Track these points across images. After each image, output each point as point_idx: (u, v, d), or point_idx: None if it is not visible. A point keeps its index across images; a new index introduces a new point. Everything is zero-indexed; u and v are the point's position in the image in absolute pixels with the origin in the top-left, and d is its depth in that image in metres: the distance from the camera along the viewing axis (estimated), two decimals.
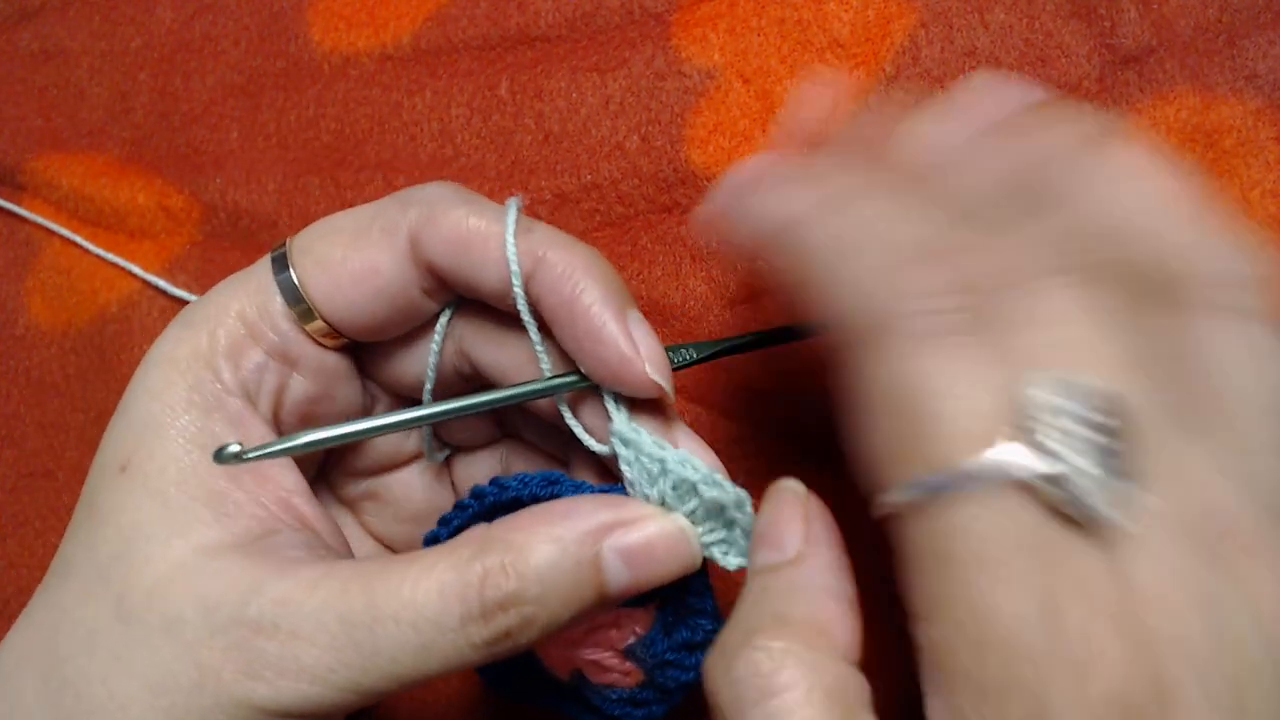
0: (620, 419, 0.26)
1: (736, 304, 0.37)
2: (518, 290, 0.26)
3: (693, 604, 0.27)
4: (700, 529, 0.26)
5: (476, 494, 0.28)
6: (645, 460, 0.26)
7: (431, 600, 0.24)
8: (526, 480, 0.27)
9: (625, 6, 0.39)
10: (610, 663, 0.28)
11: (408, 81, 0.40)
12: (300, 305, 0.28)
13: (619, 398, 0.27)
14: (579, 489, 0.27)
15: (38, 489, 0.40)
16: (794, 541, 0.24)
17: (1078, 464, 0.19)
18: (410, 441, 0.32)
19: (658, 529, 0.26)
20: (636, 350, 0.26)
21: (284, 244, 0.29)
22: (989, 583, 0.19)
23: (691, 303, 0.36)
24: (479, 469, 0.33)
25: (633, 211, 0.38)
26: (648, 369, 0.26)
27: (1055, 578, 0.19)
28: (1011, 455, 0.19)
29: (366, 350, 0.30)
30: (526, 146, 0.39)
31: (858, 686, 0.22)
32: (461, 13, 0.40)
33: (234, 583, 0.24)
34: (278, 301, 0.28)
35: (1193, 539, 0.19)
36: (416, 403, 0.29)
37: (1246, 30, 0.35)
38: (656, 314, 0.37)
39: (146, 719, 0.24)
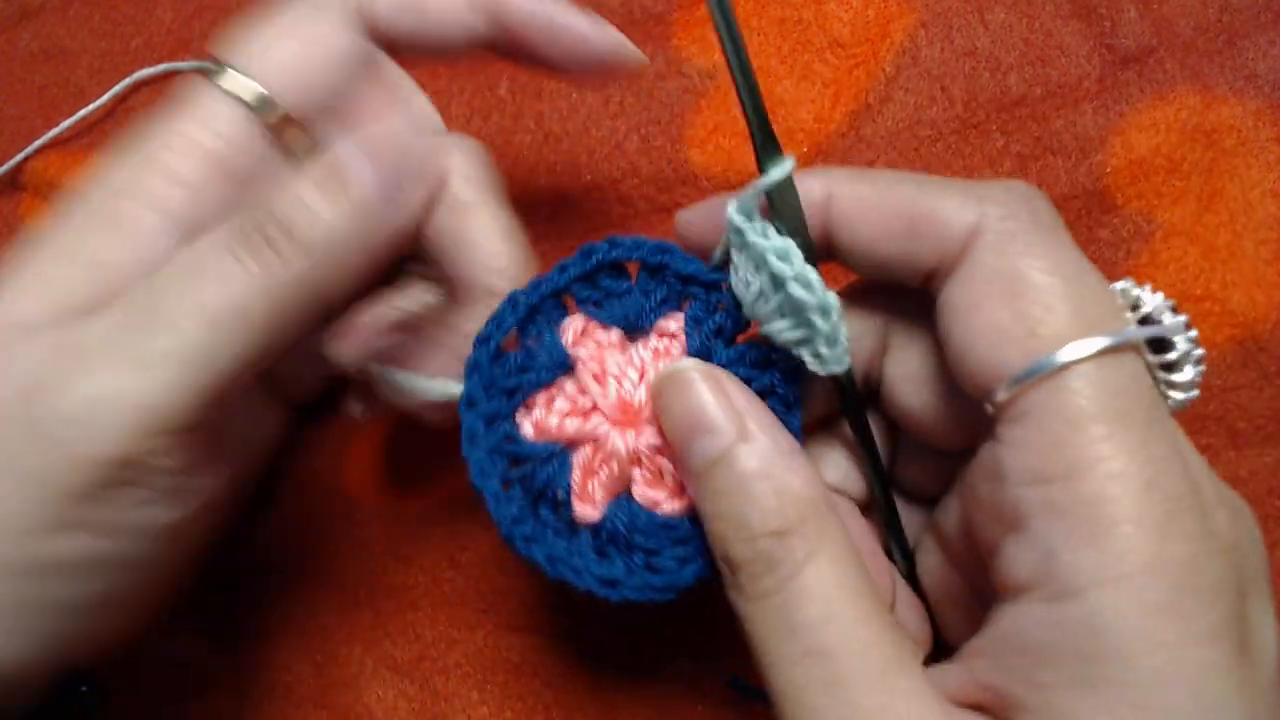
0: (740, 201, 0.25)
1: None
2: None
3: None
4: (782, 324, 0.25)
5: (586, 250, 0.27)
6: (750, 248, 0.25)
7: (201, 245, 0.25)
8: (640, 244, 0.27)
9: (625, 6, 0.39)
10: (673, 467, 0.26)
11: None
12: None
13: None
14: (690, 262, 0.27)
15: None
16: (729, 422, 0.23)
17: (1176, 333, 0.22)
18: None
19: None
20: (606, 35, 0.30)
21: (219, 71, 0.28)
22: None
23: None
24: None
25: (633, 212, 0.38)
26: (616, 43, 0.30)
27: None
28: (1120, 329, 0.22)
29: None
30: (526, 146, 0.39)
31: (858, 531, 0.23)
32: None
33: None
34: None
35: None
36: None
37: (1246, 30, 0.35)
38: None
39: None
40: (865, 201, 0.24)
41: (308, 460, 0.38)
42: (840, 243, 0.25)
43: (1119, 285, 0.24)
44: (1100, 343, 0.21)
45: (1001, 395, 0.21)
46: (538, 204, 0.38)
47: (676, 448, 0.24)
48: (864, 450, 0.26)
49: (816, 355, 0.25)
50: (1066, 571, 0.20)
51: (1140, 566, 0.19)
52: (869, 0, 0.37)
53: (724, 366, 0.26)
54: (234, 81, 0.27)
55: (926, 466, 0.27)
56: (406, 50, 0.30)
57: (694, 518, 0.26)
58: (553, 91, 0.39)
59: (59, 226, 0.27)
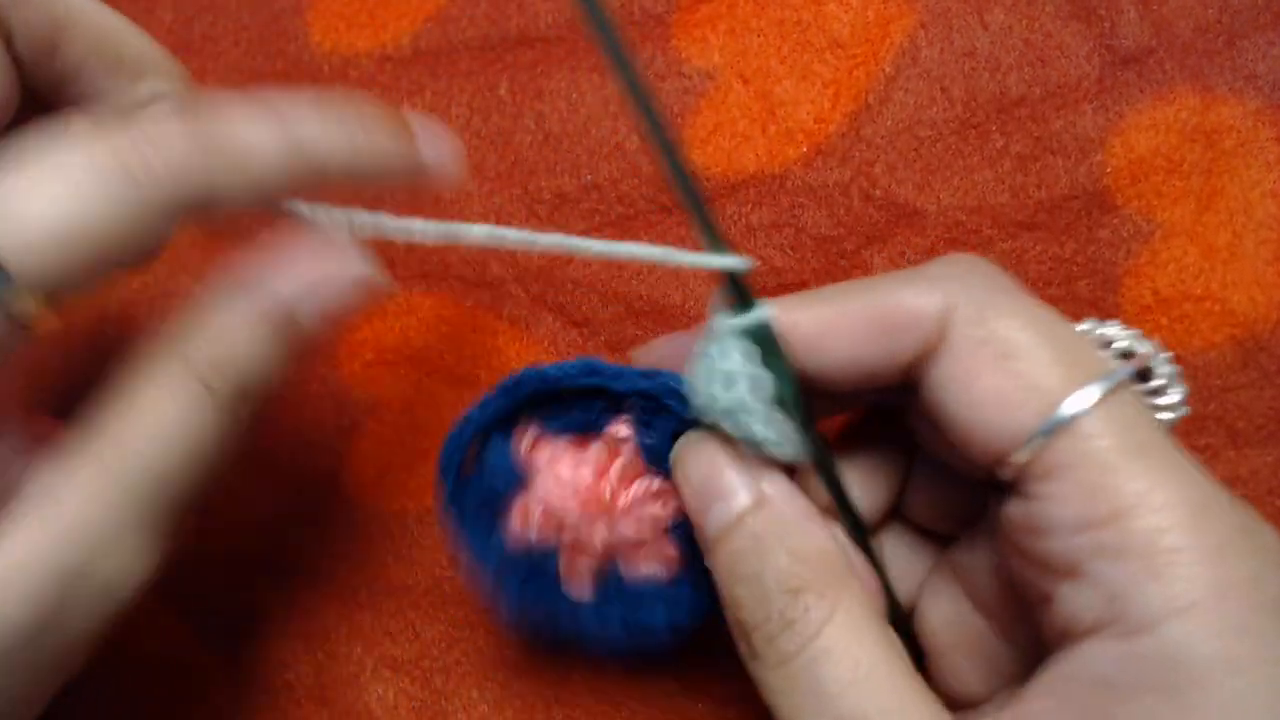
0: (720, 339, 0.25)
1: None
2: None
3: None
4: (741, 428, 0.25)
5: (516, 380, 0.28)
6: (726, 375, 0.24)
7: None
8: (566, 369, 0.28)
9: (625, 7, 0.39)
10: (650, 541, 0.28)
11: (408, 82, 0.40)
12: None
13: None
14: (620, 376, 0.27)
15: None
16: (744, 487, 0.24)
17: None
18: None
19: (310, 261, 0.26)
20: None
21: None
22: None
23: (691, 303, 0.36)
24: None
25: (633, 211, 0.38)
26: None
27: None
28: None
29: None
30: (526, 146, 0.39)
31: (880, 608, 0.23)
32: (461, 13, 0.41)
33: None
34: None
35: None
36: None
37: (1246, 30, 0.35)
38: (656, 314, 0.37)
39: None
40: (829, 321, 0.24)
41: (307, 460, 0.38)
42: (811, 368, 0.25)
43: (1083, 327, 0.24)
44: (1101, 389, 0.21)
45: (1022, 457, 0.22)
46: (538, 203, 0.38)
47: (694, 516, 0.25)
48: (842, 511, 0.26)
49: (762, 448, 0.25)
50: (1136, 609, 0.20)
51: (1207, 593, 0.19)
52: (869, 1, 0.37)
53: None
54: None
55: (941, 497, 0.27)
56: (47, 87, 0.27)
57: (680, 578, 0.28)
58: (553, 92, 0.39)
59: None
